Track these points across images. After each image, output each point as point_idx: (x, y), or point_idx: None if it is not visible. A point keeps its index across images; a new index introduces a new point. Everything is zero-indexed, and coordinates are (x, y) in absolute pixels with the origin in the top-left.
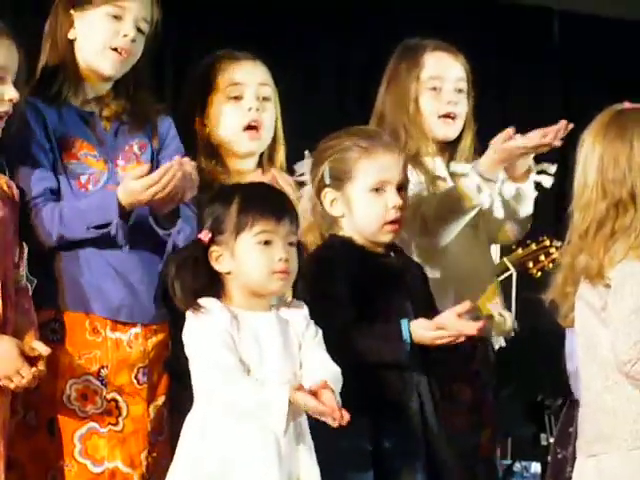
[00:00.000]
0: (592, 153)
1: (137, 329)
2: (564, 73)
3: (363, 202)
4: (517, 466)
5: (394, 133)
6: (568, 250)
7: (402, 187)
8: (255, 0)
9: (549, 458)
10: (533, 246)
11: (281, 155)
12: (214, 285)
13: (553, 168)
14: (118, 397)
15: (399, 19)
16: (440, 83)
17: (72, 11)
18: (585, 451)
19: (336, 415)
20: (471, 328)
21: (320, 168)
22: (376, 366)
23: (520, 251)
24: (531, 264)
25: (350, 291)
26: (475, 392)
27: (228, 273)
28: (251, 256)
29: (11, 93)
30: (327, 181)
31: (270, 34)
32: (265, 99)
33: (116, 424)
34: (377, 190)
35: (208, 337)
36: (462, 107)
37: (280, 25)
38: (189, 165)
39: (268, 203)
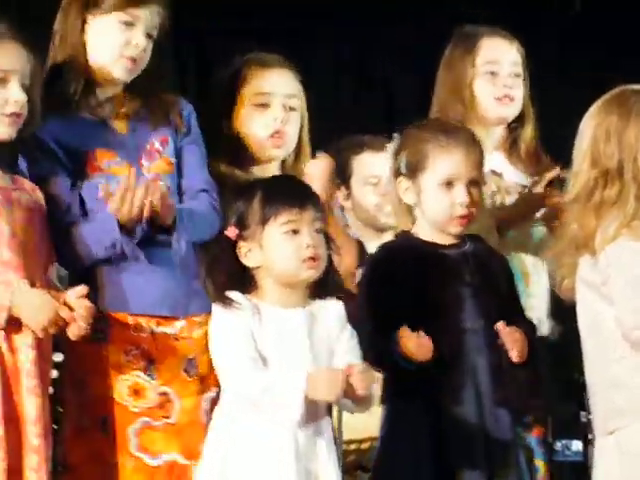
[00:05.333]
0: (589, 123)
1: (182, 322)
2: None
3: (432, 195)
4: (558, 445)
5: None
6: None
7: (475, 183)
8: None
9: (589, 435)
10: None
11: (306, 162)
12: (245, 280)
13: None
14: (168, 390)
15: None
16: (496, 67)
17: (86, 14)
18: (602, 430)
19: None
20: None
21: (398, 156)
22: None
23: None
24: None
25: (398, 293)
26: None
27: (258, 267)
28: (279, 246)
29: (15, 94)
30: (402, 169)
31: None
32: (291, 109)
33: (169, 417)
34: (447, 185)
35: (228, 330)
36: (519, 91)
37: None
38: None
39: (290, 192)
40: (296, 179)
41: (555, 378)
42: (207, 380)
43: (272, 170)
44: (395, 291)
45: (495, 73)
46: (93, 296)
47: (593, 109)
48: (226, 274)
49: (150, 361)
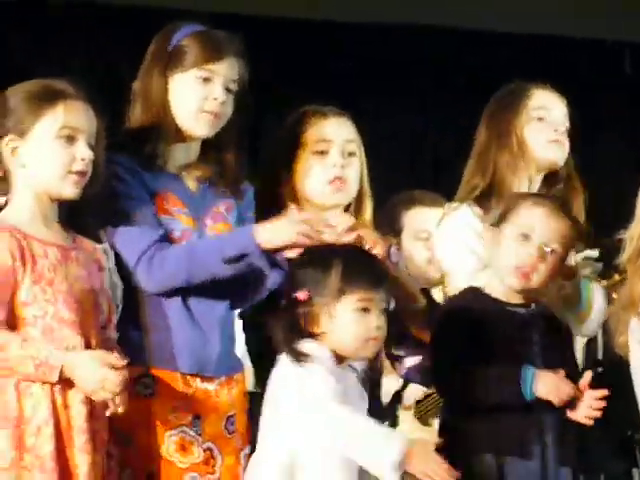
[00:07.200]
0: None
1: (221, 379)
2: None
3: (508, 245)
4: None
5: (492, 171)
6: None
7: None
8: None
9: None
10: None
11: (368, 209)
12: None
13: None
14: (212, 446)
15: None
16: (546, 113)
17: (168, 74)
18: None
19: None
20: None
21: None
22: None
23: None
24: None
25: (468, 346)
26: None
27: (322, 333)
28: (350, 322)
29: (82, 152)
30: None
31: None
32: (350, 154)
33: (213, 473)
34: (525, 237)
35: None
36: (567, 141)
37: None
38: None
39: (370, 271)
40: (373, 256)
41: (606, 435)
42: (244, 437)
43: None
44: (466, 345)
45: (545, 119)
46: (143, 350)
47: None
48: (291, 336)
49: (196, 416)
